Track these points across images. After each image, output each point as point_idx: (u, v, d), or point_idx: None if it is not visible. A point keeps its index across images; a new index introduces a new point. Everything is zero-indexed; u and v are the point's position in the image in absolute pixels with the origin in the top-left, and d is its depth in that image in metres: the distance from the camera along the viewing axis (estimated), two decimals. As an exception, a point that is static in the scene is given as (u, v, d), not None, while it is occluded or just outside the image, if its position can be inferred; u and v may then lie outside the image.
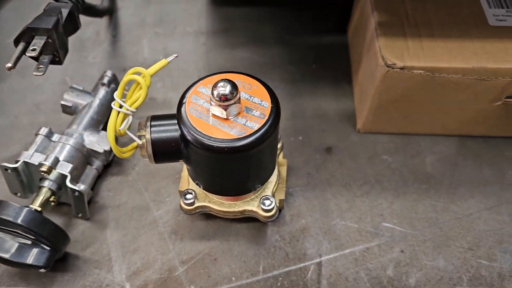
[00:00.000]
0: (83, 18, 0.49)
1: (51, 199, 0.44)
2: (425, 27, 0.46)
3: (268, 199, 0.42)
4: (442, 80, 0.43)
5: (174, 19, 0.65)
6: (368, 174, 0.49)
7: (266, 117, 0.35)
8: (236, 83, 0.36)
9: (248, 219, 0.44)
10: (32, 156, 0.44)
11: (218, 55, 0.60)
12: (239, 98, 0.35)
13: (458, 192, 0.48)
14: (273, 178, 0.43)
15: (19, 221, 0.39)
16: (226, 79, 0.34)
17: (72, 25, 0.47)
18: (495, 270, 0.43)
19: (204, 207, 0.43)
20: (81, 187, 0.44)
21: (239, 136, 0.34)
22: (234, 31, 0.63)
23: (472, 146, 0.51)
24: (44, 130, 0.47)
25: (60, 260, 0.44)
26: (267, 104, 0.36)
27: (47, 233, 0.40)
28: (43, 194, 0.44)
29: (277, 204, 0.42)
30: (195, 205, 0.42)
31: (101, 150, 0.47)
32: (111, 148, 0.37)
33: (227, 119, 0.35)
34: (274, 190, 0.43)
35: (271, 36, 0.62)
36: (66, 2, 0.46)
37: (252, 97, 0.36)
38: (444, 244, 0.44)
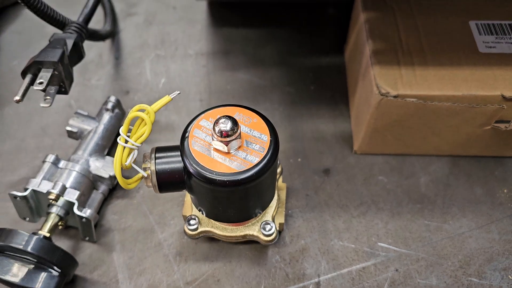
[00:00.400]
0: (85, 41, 0.50)
1: (59, 223, 0.46)
2: (418, 55, 0.47)
3: (268, 224, 0.43)
4: (434, 107, 0.45)
5: (175, 40, 0.66)
6: (364, 195, 0.51)
7: (265, 151, 0.37)
8: (236, 116, 0.38)
9: (250, 240, 0.46)
10: (40, 184, 0.46)
11: (219, 77, 0.62)
12: (240, 133, 0.36)
13: (450, 211, 0.50)
14: (273, 203, 0.45)
15: (29, 249, 0.41)
16: (227, 115, 0.36)
17: (77, 54, 0.48)
18: (485, 287, 0.45)
19: (207, 231, 0.44)
20: (87, 212, 0.46)
21: (240, 170, 0.36)
22: (234, 52, 0.65)
23: (464, 166, 0.53)
24: (51, 157, 0.48)
25: (68, 283, 0.45)
26: (266, 137, 0.38)
27: (56, 259, 0.42)
28: (51, 219, 0.46)
29: (277, 228, 0.44)
30: (199, 230, 0.44)
31: (106, 176, 0.49)
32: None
33: (228, 153, 0.37)
34: (274, 214, 0.45)
35: (270, 58, 0.64)
36: (71, 33, 0.48)
37: (252, 131, 0.38)
38: (437, 262, 0.46)
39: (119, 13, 0.70)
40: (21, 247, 0.41)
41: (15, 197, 0.46)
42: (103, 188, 0.50)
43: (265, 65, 0.63)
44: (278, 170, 0.46)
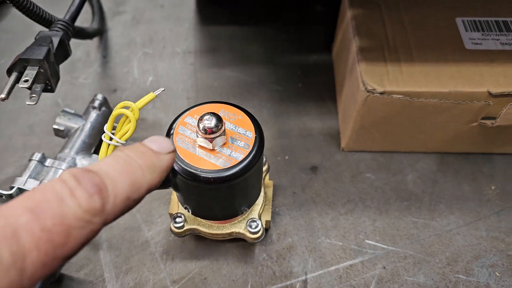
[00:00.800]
0: (73, 40, 0.50)
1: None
2: (404, 51, 0.47)
3: (254, 221, 0.43)
4: (421, 104, 0.45)
5: (163, 38, 0.66)
6: (352, 192, 0.51)
7: (250, 148, 0.37)
8: (222, 113, 0.38)
9: (237, 238, 0.46)
10: (26, 183, 0.46)
11: (206, 75, 0.62)
12: (224, 130, 0.36)
13: (438, 208, 0.50)
14: (260, 200, 0.45)
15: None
16: (211, 112, 0.36)
17: (63, 52, 0.48)
18: (472, 284, 0.45)
19: (193, 229, 0.44)
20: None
21: (225, 167, 0.36)
22: (222, 50, 0.65)
23: (452, 163, 0.53)
24: (37, 156, 0.48)
25: (54, 282, 0.45)
26: (251, 134, 0.37)
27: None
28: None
29: (264, 226, 0.44)
30: (185, 228, 0.44)
31: (93, 174, 0.49)
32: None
33: (213, 150, 0.37)
34: (260, 212, 0.45)
35: (258, 55, 0.64)
36: (57, 30, 0.48)
37: (237, 128, 0.38)
38: (424, 260, 0.46)
39: (107, 11, 0.69)
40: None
41: (1, 195, 0.45)
42: (89, 186, 0.50)
43: (253, 63, 0.63)
44: (265, 167, 0.46)
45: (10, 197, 0.45)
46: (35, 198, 0.23)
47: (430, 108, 0.46)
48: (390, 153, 0.54)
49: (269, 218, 0.46)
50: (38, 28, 0.49)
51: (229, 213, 0.42)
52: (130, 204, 0.27)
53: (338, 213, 0.50)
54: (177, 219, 0.44)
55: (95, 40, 0.66)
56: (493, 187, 0.51)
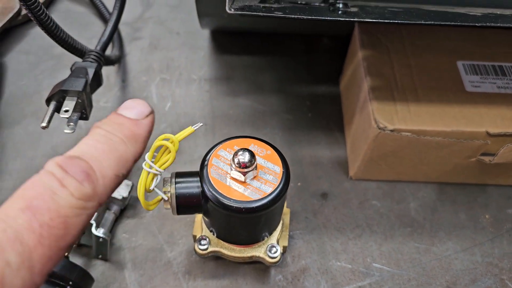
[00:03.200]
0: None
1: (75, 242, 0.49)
2: (411, 92, 0.52)
3: (274, 247, 0.47)
4: (426, 141, 0.50)
5: (179, 65, 0.70)
6: (359, 218, 0.55)
7: (278, 181, 0.41)
8: (252, 148, 0.41)
9: (254, 261, 0.49)
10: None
11: (222, 103, 0.65)
12: (256, 165, 0.40)
13: (438, 235, 0.54)
14: (278, 227, 0.48)
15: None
16: (245, 148, 0.40)
17: (97, 82, 0.51)
18: (470, 306, 0.49)
19: (216, 251, 0.48)
20: (101, 231, 0.49)
21: (255, 199, 0.39)
22: (236, 79, 0.68)
23: (450, 192, 0.58)
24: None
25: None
26: (279, 169, 0.41)
27: (75, 277, 0.45)
28: (68, 238, 0.48)
29: (282, 251, 0.48)
30: (209, 250, 0.47)
31: (120, 197, 0.52)
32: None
33: (244, 182, 0.40)
34: (278, 237, 0.49)
35: (270, 85, 0.68)
36: (91, 61, 0.51)
37: (266, 162, 0.42)
38: (426, 282, 0.51)
39: (125, 37, 0.73)
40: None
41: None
42: (115, 208, 0.53)
43: (265, 92, 0.67)
44: None
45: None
46: (27, 195, 0.23)
47: (433, 144, 0.50)
48: (394, 182, 0.58)
49: (286, 244, 0.50)
50: (59, 50, 0.52)
51: (252, 239, 0.46)
52: (120, 180, 0.27)
53: (347, 237, 0.54)
54: (202, 241, 0.47)
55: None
56: (487, 216, 0.56)
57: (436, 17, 0.41)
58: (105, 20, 0.72)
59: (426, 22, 0.40)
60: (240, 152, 0.39)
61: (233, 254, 0.47)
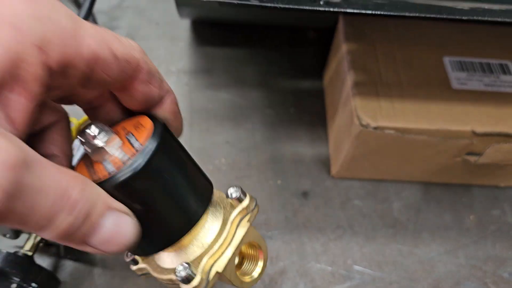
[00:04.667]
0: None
1: (41, 241, 0.46)
2: (396, 88, 0.50)
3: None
4: (410, 139, 0.48)
5: (158, 57, 0.67)
6: (341, 218, 0.53)
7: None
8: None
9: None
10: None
11: (201, 96, 0.63)
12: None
13: (421, 236, 0.53)
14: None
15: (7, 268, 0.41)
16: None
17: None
18: (452, 311, 0.48)
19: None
20: (70, 230, 0.46)
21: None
22: (216, 71, 0.66)
23: (435, 193, 0.56)
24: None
25: None
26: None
27: (39, 278, 0.42)
28: (33, 237, 0.45)
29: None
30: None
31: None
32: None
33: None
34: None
35: (251, 78, 0.66)
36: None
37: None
38: (408, 286, 0.49)
39: (100, 26, 0.70)
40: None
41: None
42: (85, 206, 0.50)
43: (246, 85, 0.65)
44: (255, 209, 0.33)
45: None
46: None
47: (418, 143, 0.49)
48: (377, 181, 0.56)
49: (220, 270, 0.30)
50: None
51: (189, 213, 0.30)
52: None
53: (328, 238, 0.52)
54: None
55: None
56: (471, 217, 0.54)
57: (422, 10, 0.38)
58: (78, 5, 0.69)
59: (411, 14, 0.38)
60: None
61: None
